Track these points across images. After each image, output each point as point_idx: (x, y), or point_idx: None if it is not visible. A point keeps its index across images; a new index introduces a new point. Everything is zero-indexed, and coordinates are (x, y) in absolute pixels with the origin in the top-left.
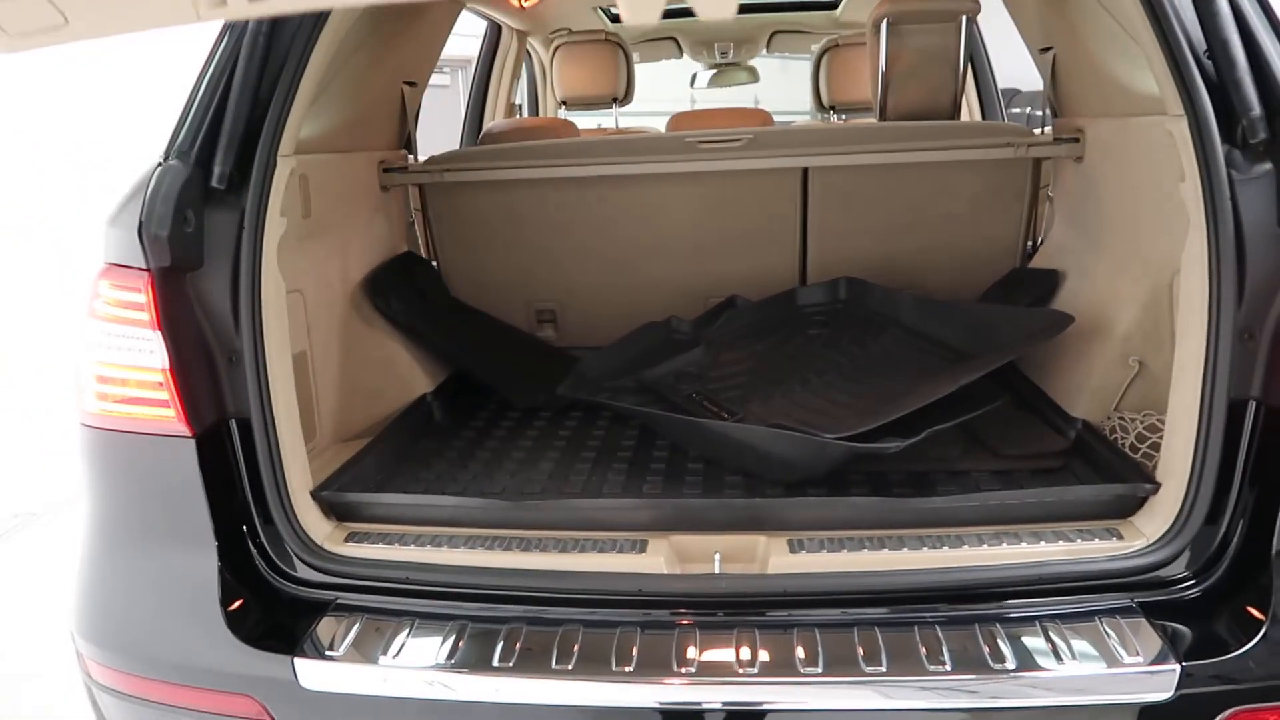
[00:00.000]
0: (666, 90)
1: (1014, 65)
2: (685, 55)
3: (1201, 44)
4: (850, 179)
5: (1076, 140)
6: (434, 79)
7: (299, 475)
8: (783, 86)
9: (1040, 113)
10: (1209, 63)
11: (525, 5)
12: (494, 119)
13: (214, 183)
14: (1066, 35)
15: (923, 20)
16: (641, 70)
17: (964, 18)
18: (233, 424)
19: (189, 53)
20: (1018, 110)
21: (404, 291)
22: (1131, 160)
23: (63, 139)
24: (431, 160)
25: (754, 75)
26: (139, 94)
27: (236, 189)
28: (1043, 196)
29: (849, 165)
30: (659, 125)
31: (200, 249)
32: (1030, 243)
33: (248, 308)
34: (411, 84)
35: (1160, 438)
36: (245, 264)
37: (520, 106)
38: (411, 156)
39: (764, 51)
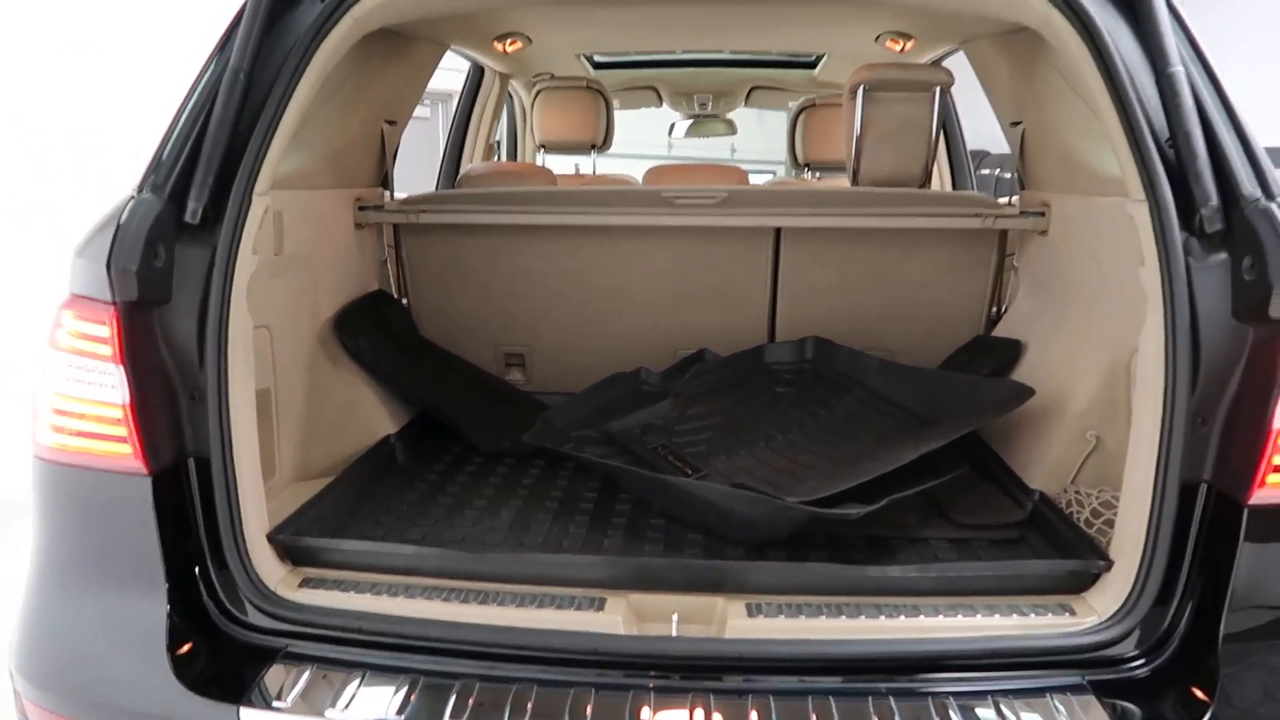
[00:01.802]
0: (646, 134)
1: (984, 125)
2: (665, 104)
3: (1164, 132)
4: (821, 240)
5: (1042, 214)
6: (415, 111)
7: (255, 517)
8: (758, 137)
9: (1009, 175)
10: (1171, 151)
11: (509, 50)
12: (473, 159)
13: (187, 218)
14: (1036, 112)
15: (899, 89)
16: (622, 115)
17: (938, 89)
18: (191, 463)
19: (187, 42)
20: (986, 171)
21: (372, 330)
22: (1094, 238)
23: (61, 125)
24: (407, 201)
25: (731, 128)
26: (137, 81)
27: (210, 225)
28: (1008, 265)
29: (821, 227)
30: (637, 168)
31: (169, 284)
32: (995, 308)
33: (214, 346)
34: (391, 123)
35: (1115, 514)
36: (214, 301)
37: (499, 144)
38: (388, 194)
39: (743, 105)
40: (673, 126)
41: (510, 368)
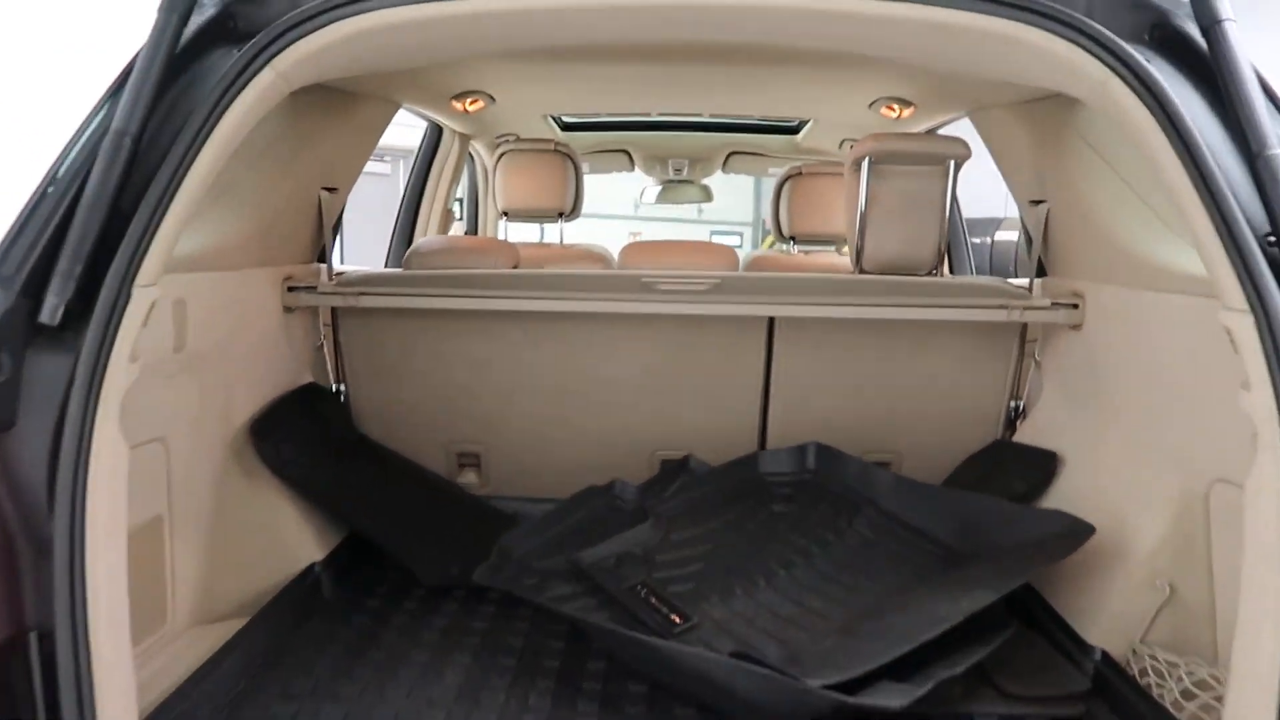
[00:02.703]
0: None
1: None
2: (637, 169)
3: (1263, 225)
4: (820, 331)
5: (1075, 306)
6: (373, 167)
7: (119, 703)
8: (725, 195)
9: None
10: (1276, 251)
11: (469, 109)
12: (428, 229)
13: (44, 318)
14: (1064, 189)
15: (908, 162)
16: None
17: (952, 163)
18: (33, 639)
19: None
20: (1004, 237)
21: (299, 435)
22: (1152, 340)
23: (62, 124)
24: (345, 280)
25: (707, 194)
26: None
27: (75, 325)
28: (1028, 353)
29: (820, 318)
30: (601, 229)
31: (13, 405)
32: (1014, 405)
33: (69, 483)
34: (331, 190)
35: (1218, 699)
36: (72, 424)
37: (460, 202)
38: (326, 271)
39: (720, 170)
40: (643, 192)
41: (464, 469)
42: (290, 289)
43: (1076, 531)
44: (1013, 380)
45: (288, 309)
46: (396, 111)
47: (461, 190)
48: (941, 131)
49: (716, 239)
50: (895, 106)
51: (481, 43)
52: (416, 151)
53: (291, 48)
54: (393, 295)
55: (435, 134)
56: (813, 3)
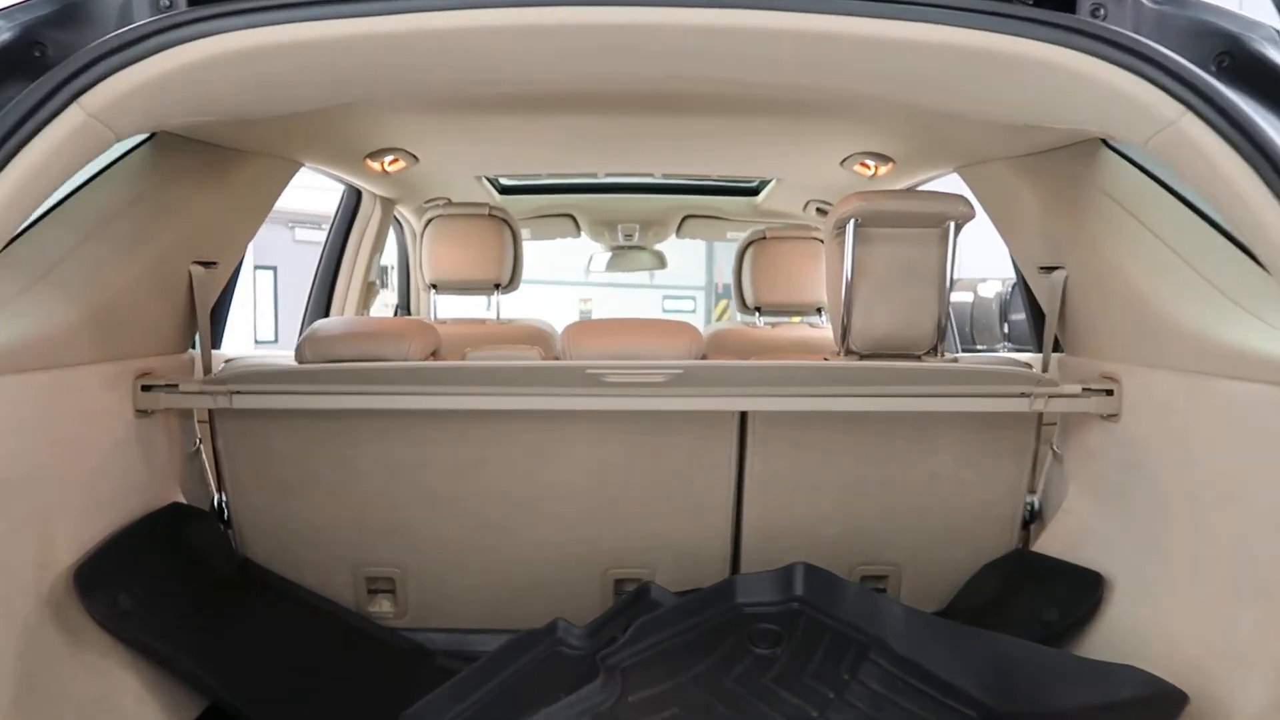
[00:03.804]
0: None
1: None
2: (584, 234)
3: None
4: (801, 426)
5: (1109, 393)
6: (309, 235)
7: None
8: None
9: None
10: None
11: (388, 169)
12: (346, 303)
13: None
14: (1085, 254)
15: (901, 224)
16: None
17: (952, 225)
18: None
19: None
20: (986, 294)
21: (145, 579)
22: (1210, 434)
23: None
24: (219, 376)
25: (660, 261)
26: None
27: None
28: (1044, 441)
29: (802, 411)
30: (544, 296)
31: None
32: (1029, 501)
33: None
34: (207, 264)
35: None
36: None
37: (385, 271)
38: (199, 359)
39: (674, 235)
40: (591, 259)
41: (375, 595)
42: (145, 388)
43: (1163, 700)
44: (1029, 475)
45: (142, 412)
46: (296, 171)
47: (393, 257)
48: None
49: (669, 303)
50: (870, 163)
51: (370, 82)
52: (332, 220)
53: (104, 83)
54: (276, 394)
55: (354, 197)
56: (800, 22)
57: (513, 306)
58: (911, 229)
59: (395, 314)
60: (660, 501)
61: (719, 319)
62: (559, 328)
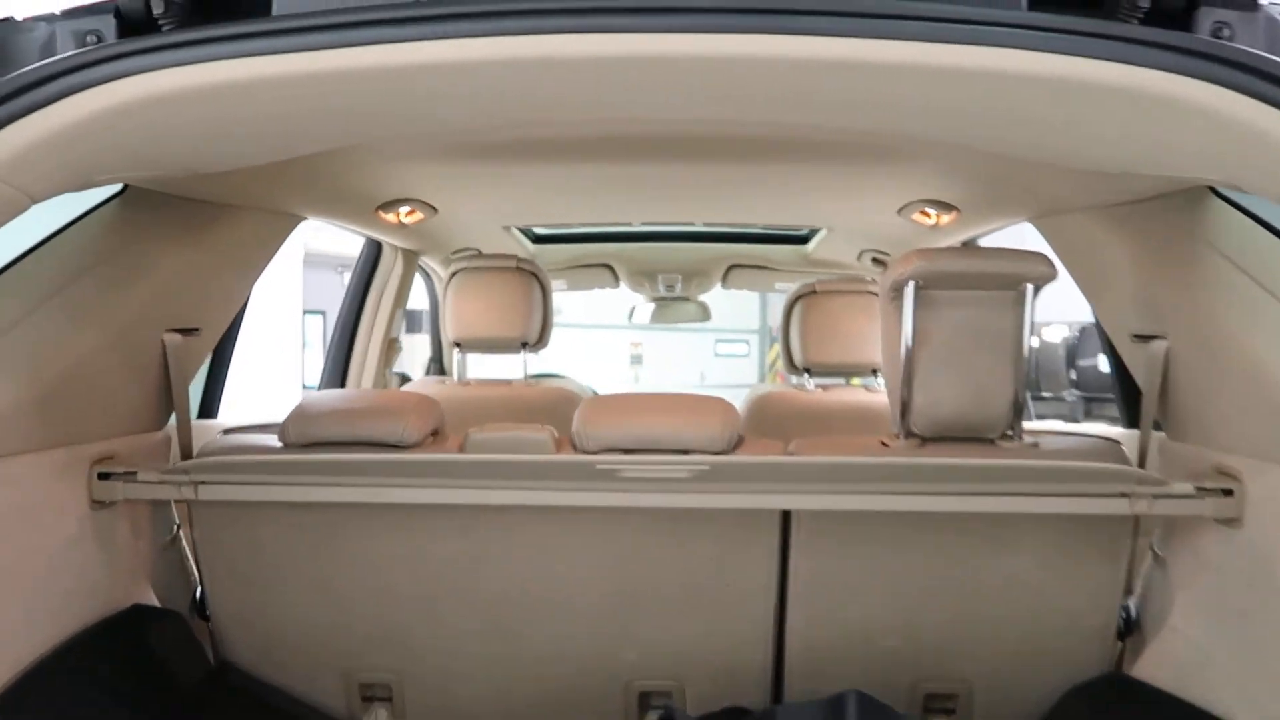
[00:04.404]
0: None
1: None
2: (623, 285)
3: None
4: (854, 523)
5: (1229, 493)
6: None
7: None
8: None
9: None
10: None
11: (404, 221)
12: (365, 363)
13: None
14: (1193, 322)
15: (969, 286)
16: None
17: (1030, 287)
18: None
19: None
20: (1050, 338)
21: (88, 700)
22: None
23: None
24: (178, 467)
25: (704, 313)
26: None
27: None
28: (1142, 536)
29: (855, 510)
30: (584, 341)
31: None
32: (1124, 611)
33: None
34: (187, 331)
35: None
36: None
37: (406, 324)
38: (176, 440)
39: (719, 285)
40: (633, 310)
41: (370, 704)
42: (102, 475)
43: None
44: (1124, 578)
45: (99, 503)
46: (295, 226)
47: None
48: (986, 241)
49: (722, 347)
50: (932, 212)
51: (360, 126)
52: (352, 273)
53: None
54: (246, 484)
55: (374, 247)
56: (855, 50)
57: (559, 349)
58: (982, 292)
59: (428, 370)
60: (689, 605)
61: (773, 364)
62: (605, 375)
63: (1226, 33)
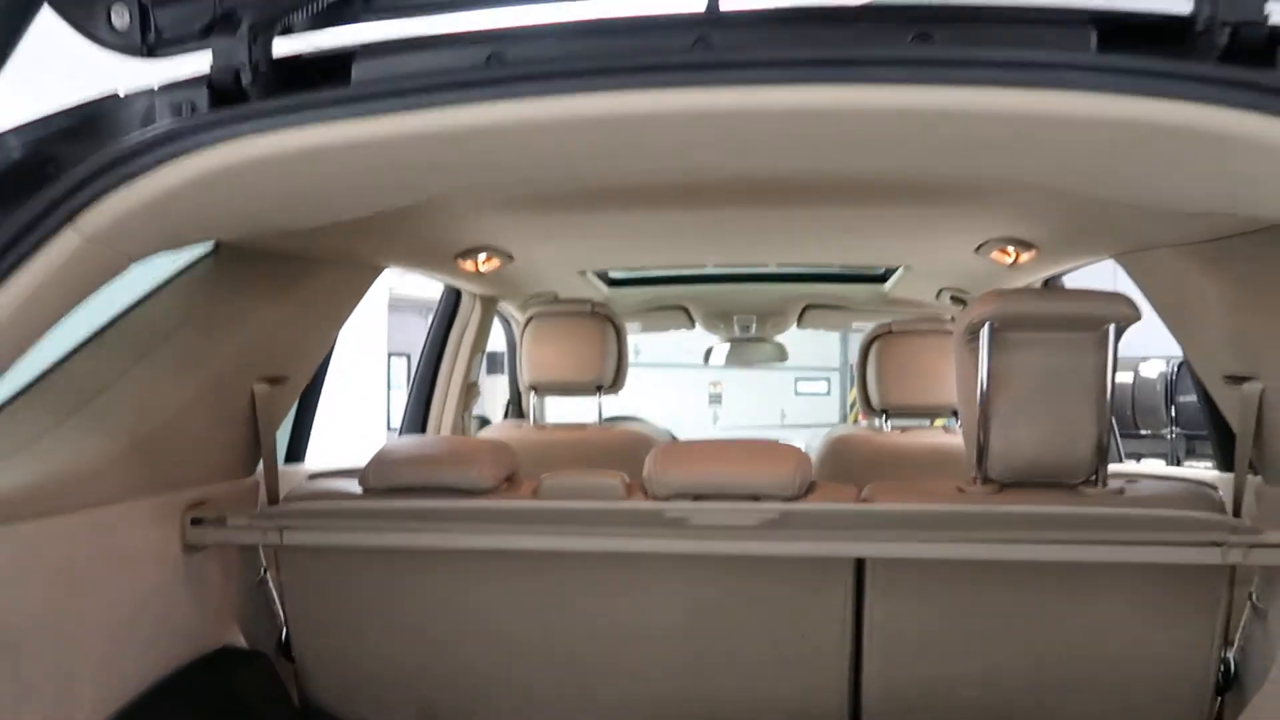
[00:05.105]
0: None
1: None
2: (699, 326)
3: None
4: (931, 571)
5: None
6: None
7: None
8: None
9: None
10: None
11: (482, 268)
12: (445, 407)
13: None
14: None
15: (1049, 328)
16: None
17: (1112, 328)
18: None
19: None
20: (1147, 374)
21: None
22: None
23: None
24: (265, 513)
25: (781, 353)
26: None
27: None
28: (1239, 584)
29: (931, 559)
30: (660, 380)
31: None
32: (1223, 665)
33: None
34: (275, 380)
35: None
36: None
37: (486, 365)
38: (263, 486)
39: (794, 326)
40: (709, 352)
41: None
42: (195, 521)
43: None
44: (1222, 629)
45: (191, 547)
46: (376, 276)
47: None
48: (1072, 277)
49: (802, 385)
50: (1011, 249)
51: (436, 183)
52: (431, 320)
53: (98, 205)
54: (328, 531)
55: (453, 294)
56: (933, 98)
57: (638, 389)
58: (1063, 334)
59: (506, 412)
60: (762, 653)
61: (853, 404)
62: (684, 414)
63: None
